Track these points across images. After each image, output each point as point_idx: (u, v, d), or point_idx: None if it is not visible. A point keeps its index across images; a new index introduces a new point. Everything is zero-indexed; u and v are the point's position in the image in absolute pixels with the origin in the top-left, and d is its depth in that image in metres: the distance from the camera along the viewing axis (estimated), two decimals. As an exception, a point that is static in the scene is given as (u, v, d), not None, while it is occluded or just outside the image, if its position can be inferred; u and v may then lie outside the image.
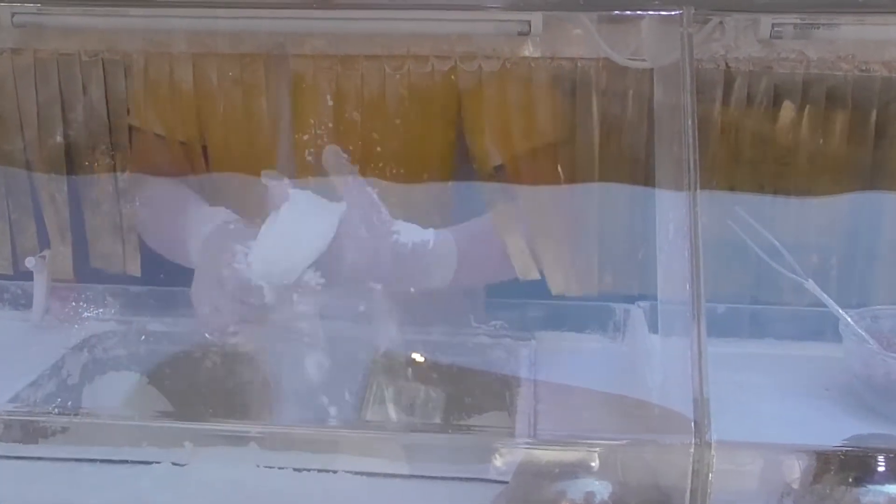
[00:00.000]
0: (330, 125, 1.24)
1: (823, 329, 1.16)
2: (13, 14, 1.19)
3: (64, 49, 1.25)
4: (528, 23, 1.16)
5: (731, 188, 1.24)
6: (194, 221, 1.18)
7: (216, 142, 1.29)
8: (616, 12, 1.15)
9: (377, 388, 1.24)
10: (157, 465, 0.99)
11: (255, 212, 1.30)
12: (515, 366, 1.23)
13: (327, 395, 1.23)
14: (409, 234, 1.14)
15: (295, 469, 0.99)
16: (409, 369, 1.26)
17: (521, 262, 1.23)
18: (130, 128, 1.28)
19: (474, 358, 1.26)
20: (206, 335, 1.17)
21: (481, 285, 1.31)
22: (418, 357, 1.27)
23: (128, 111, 1.28)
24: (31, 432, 1.01)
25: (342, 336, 1.25)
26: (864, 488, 0.89)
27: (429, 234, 1.16)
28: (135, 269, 1.31)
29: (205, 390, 1.27)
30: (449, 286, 1.18)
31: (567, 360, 1.22)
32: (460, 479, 0.99)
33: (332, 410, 1.20)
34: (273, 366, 1.26)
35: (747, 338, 1.24)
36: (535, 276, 1.23)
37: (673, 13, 1.06)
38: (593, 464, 0.90)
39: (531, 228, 1.25)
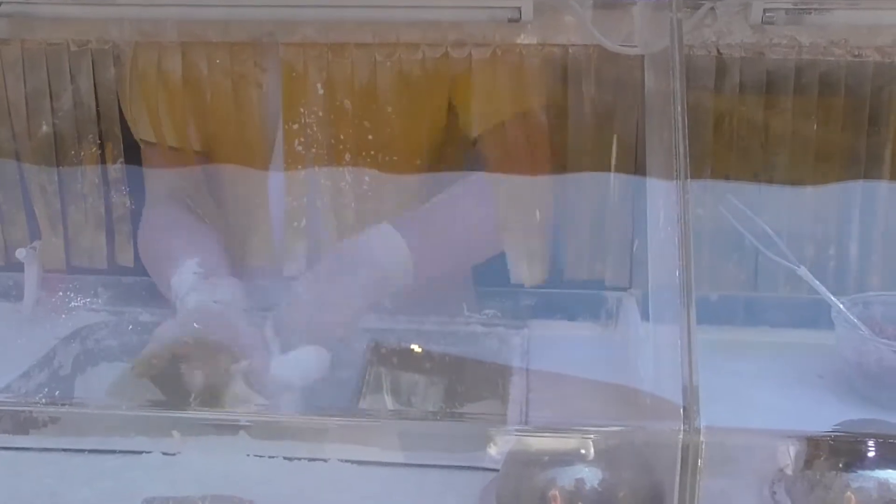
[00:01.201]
0: (320, 113, 1.24)
1: (816, 316, 1.16)
2: (0, 4, 1.18)
3: (52, 39, 1.24)
4: (519, 9, 1.16)
5: (724, 175, 1.24)
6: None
7: (206, 131, 1.28)
8: (608, -3, 1.14)
9: (371, 378, 1.24)
10: (147, 454, 0.99)
11: (241, 202, 1.30)
12: (508, 354, 1.23)
13: (322, 384, 1.23)
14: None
15: (286, 458, 0.99)
16: (403, 358, 1.26)
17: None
18: (121, 120, 1.28)
19: (467, 346, 1.26)
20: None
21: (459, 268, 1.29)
22: (412, 346, 1.27)
23: (119, 104, 1.27)
24: (22, 423, 1.00)
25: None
26: (854, 474, 0.89)
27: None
28: (127, 259, 1.31)
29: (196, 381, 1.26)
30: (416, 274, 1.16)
31: (559, 349, 1.22)
32: (451, 467, 0.99)
33: (327, 400, 1.19)
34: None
35: (740, 325, 1.24)
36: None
37: (663, -2, 1.06)
38: (583, 451, 0.90)
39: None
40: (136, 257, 1.31)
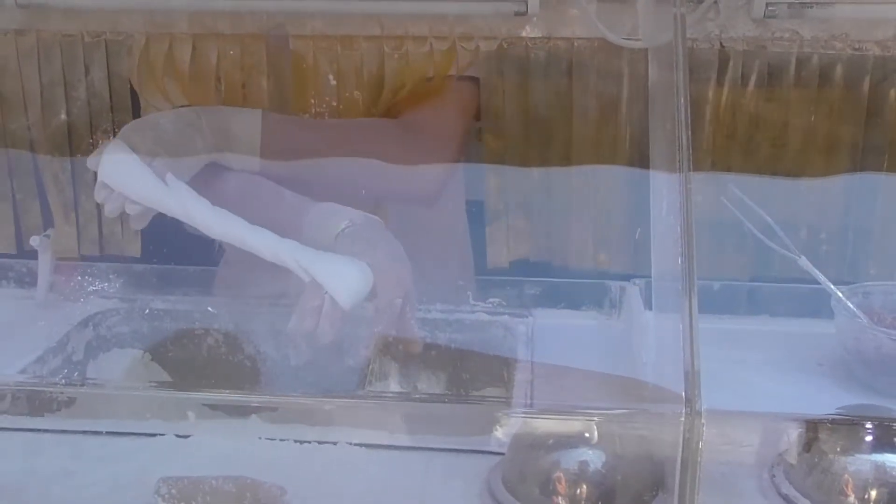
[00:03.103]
0: (333, 104, 1.25)
1: (816, 305, 1.17)
2: (16, -6, 1.21)
3: (67, 30, 1.26)
4: (526, 3, 1.18)
5: (726, 167, 1.26)
6: None
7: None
8: (612, -9, 1.16)
9: (376, 366, 1.26)
10: (161, 437, 1.01)
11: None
12: (513, 342, 1.25)
13: (328, 371, 1.25)
14: None
15: (296, 440, 1.01)
16: (408, 346, 1.28)
17: None
18: (134, 110, 1.30)
19: (472, 335, 1.27)
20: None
21: None
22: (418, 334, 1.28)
23: (132, 94, 1.29)
24: (37, 405, 1.02)
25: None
26: (851, 457, 0.91)
27: None
28: (135, 250, 1.33)
29: (207, 367, 1.29)
30: None
31: (564, 337, 1.24)
32: (459, 450, 1.01)
33: (333, 386, 1.21)
34: (274, 344, 1.28)
35: (742, 314, 1.26)
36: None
37: (667, -8, 1.07)
38: (587, 434, 0.92)
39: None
40: (144, 247, 1.33)
